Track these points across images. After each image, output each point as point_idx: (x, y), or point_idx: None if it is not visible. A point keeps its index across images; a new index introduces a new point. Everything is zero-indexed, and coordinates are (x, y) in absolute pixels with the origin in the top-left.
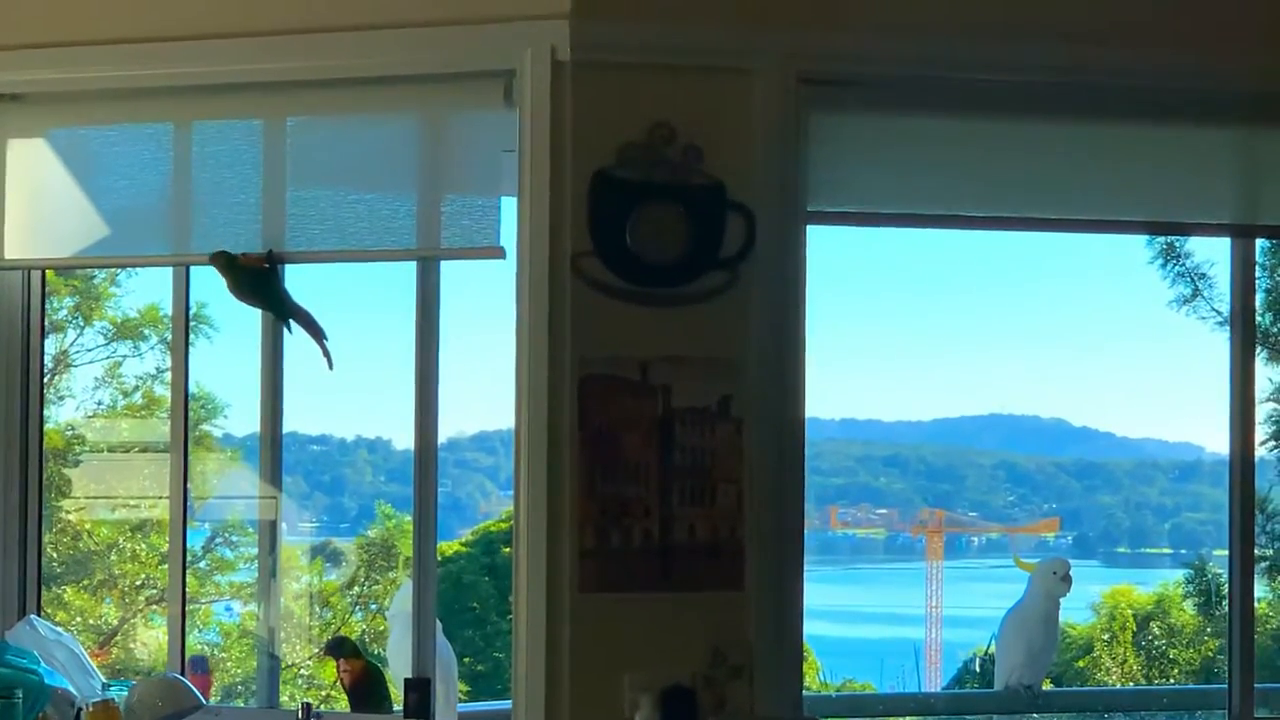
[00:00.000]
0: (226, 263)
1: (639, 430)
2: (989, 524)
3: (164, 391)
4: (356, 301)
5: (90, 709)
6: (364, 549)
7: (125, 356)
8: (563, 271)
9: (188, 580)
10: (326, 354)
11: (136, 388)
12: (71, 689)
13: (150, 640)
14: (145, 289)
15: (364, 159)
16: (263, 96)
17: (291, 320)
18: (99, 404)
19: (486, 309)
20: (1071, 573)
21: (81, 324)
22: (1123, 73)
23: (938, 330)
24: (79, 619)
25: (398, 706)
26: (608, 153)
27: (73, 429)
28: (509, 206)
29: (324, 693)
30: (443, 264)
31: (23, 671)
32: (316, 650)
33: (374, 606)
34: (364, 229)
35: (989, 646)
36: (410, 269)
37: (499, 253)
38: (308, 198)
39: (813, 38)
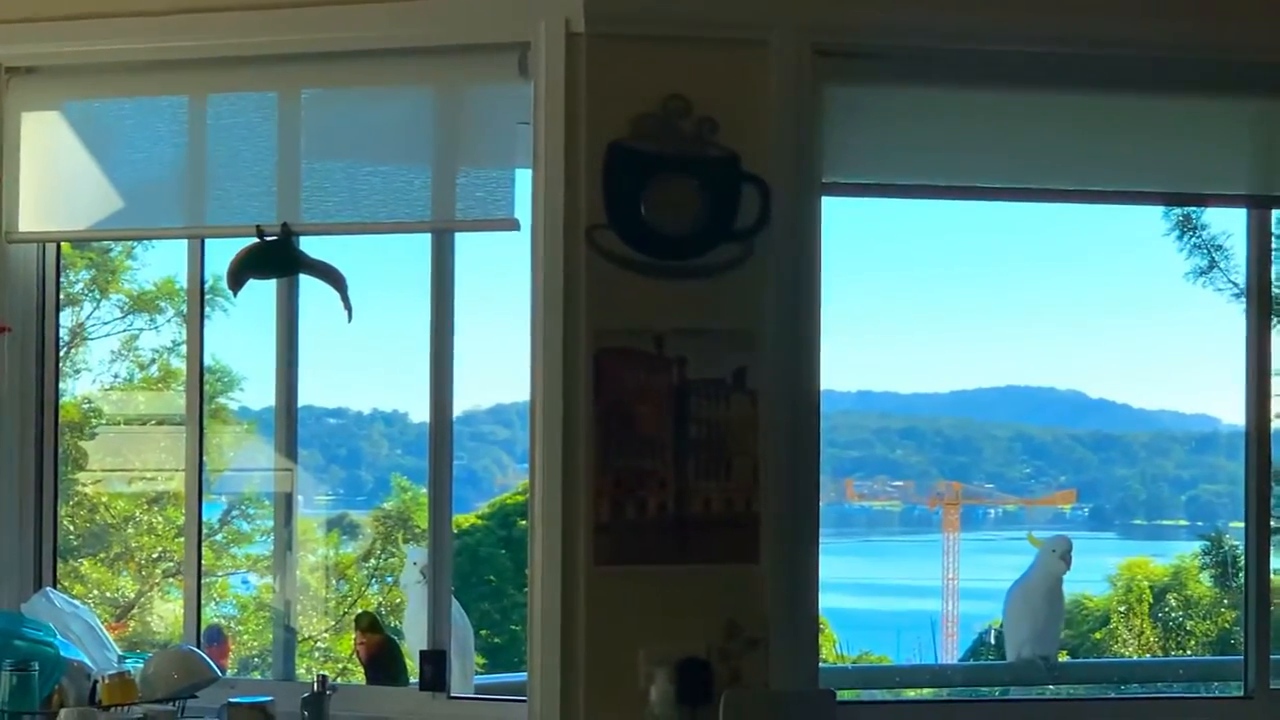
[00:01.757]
0: (237, 270)
1: (654, 403)
2: (1005, 496)
3: (180, 364)
4: (372, 274)
5: (106, 681)
6: (380, 521)
7: (141, 329)
8: (577, 243)
9: (204, 553)
10: (347, 304)
11: (153, 360)
12: (87, 661)
13: (166, 613)
14: (161, 262)
15: (379, 131)
16: (278, 69)
17: (312, 274)
18: (115, 377)
19: (503, 281)
20: (1072, 553)
21: (98, 297)
22: (1140, 44)
23: (954, 302)
24: (95, 592)
25: (415, 679)
26: (622, 125)
27: (89, 402)
28: (524, 178)
29: (340, 665)
30: (458, 236)
31: (39, 644)
32: (333, 623)
33: (390, 579)
34: (379, 201)
35: (1001, 620)
36: (425, 241)
37: (513, 224)
38: (323, 170)
39: (828, 9)
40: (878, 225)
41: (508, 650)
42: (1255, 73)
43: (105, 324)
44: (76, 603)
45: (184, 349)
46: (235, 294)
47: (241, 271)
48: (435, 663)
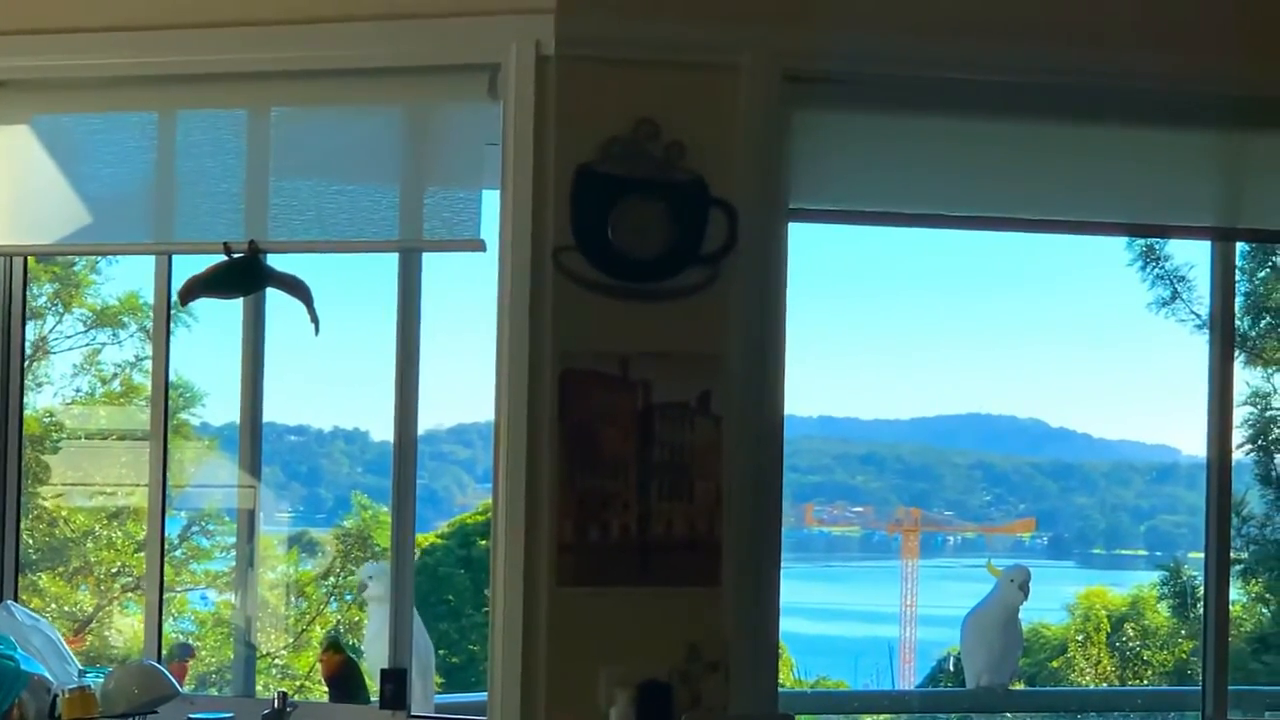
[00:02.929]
0: (195, 286)
1: (619, 425)
2: (965, 523)
3: (142, 379)
4: (333, 291)
5: (66, 695)
6: (339, 539)
7: (104, 344)
8: (544, 265)
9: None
10: (314, 316)
11: (115, 375)
12: (48, 675)
13: (125, 627)
14: (125, 276)
15: (347, 150)
16: (247, 86)
17: (278, 287)
18: (77, 391)
19: (465, 302)
20: (1030, 583)
21: (61, 311)
22: (1106, 75)
23: (916, 328)
24: (54, 605)
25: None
26: (591, 147)
27: (51, 416)
28: (491, 199)
29: (298, 683)
30: (423, 256)
31: None
32: (291, 640)
33: (349, 597)
34: (346, 220)
35: (959, 647)
36: (390, 260)
37: (480, 245)
38: (291, 188)
39: (797, 35)
40: (840, 250)
41: (465, 670)
42: (1221, 104)
43: (68, 338)
44: (37, 616)
45: (147, 364)
46: (184, 305)
47: (198, 288)
48: (396, 681)
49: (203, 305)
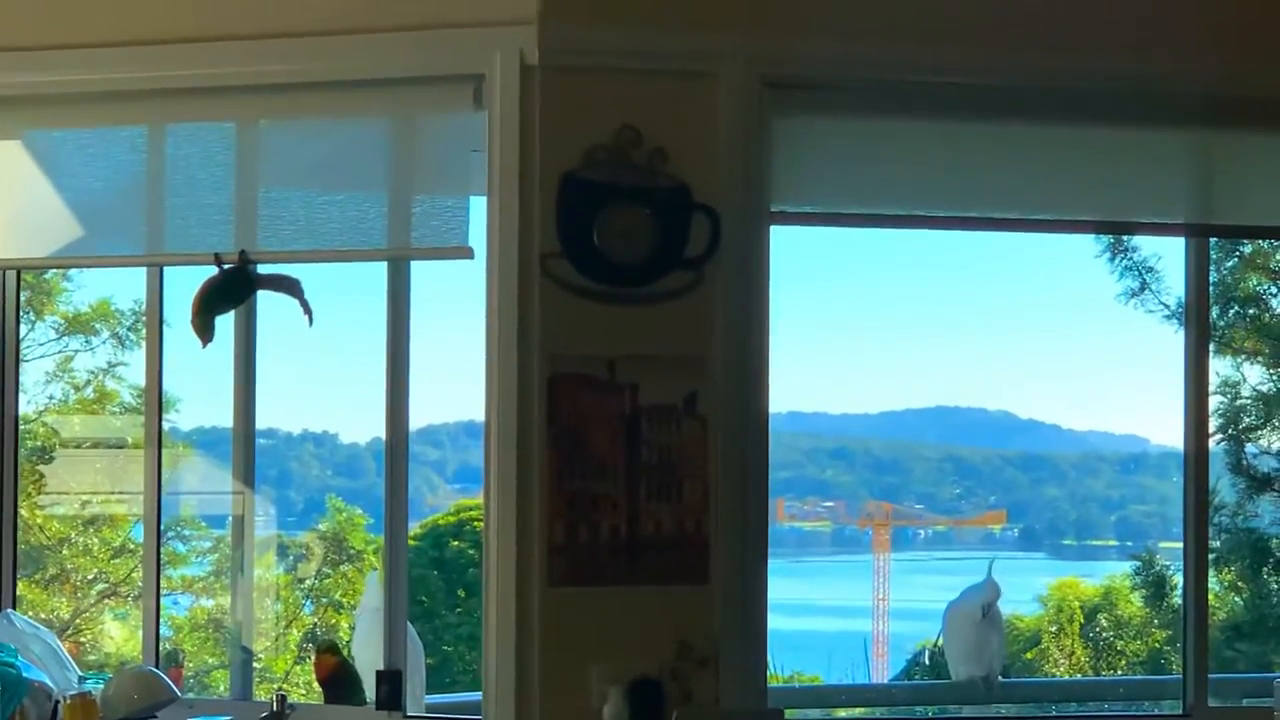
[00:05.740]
0: (202, 321)
1: (607, 427)
2: (936, 516)
3: (115, 386)
4: (312, 298)
5: (68, 701)
6: (320, 542)
7: (77, 351)
8: (531, 271)
9: (138, 574)
10: (306, 308)
11: (88, 382)
12: (49, 682)
13: (102, 635)
14: (96, 284)
15: (335, 160)
16: (236, 99)
17: (269, 288)
18: (50, 398)
19: (438, 305)
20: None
21: (32, 319)
22: (1079, 76)
23: (884, 322)
24: (30, 613)
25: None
26: (575, 155)
27: (25, 423)
28: (478, 206)
29: (276, 685)
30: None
31: (1, 665)
32: (268, 644)
33: (325, 600)
34: (335, 229)
35: (938, 640)
36: (366, 266)
37: (468, 253)
38: (280, 198)
39: (776, 42)
40: (807, 246)
41: (440, 671)
42: (1192, 104)
43: (40, 345)
44: (37, 625)
45: (120, 371)
46: (205, 344)
47: (208, 316)
48: (391, 682)
49: (176, 312)
